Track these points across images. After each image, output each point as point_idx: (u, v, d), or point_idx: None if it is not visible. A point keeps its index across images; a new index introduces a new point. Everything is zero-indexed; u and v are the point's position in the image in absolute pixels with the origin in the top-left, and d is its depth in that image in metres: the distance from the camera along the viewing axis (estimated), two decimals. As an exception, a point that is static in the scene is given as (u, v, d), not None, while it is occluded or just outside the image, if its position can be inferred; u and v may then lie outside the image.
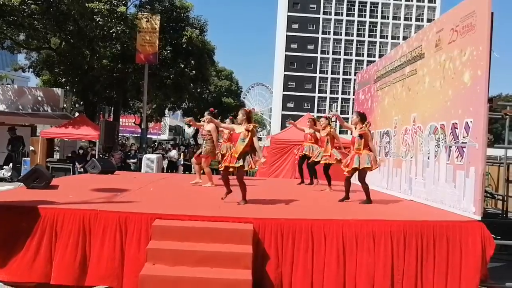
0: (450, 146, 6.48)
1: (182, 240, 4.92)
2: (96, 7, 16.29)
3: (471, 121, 5.94)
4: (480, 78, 5.76)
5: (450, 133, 6.47)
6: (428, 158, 7.16)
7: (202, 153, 8.74)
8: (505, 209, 9.77)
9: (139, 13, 19.83)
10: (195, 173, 9.45)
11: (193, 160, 9.23)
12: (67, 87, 23.03)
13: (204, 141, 8.73)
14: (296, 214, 5.71)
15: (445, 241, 5.22)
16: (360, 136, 6.98)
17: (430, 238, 5.21)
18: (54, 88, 20.91)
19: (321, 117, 9.63)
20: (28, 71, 26.73)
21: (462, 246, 5.23)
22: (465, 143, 6.04)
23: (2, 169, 15.89)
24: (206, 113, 8.90)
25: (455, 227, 5.33)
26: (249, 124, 6.36)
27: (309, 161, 9.28)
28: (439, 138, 6.82)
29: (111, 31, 17.60)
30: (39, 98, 19.25)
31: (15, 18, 17.05)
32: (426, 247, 5.18)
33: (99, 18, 16.91)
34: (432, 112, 7.11)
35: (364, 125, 7.05)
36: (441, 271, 5.15)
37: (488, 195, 10.73)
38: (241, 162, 6.21)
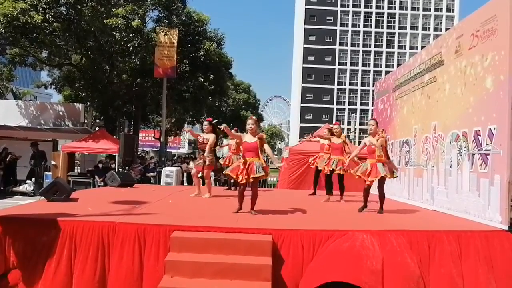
0: (473, 154, 6.31)
1: (200, 252, 4.87)
2: (114, 23, 16.62)
3: (494, 128, 5.79)
4: (503, 83, 5.62)
5: (473, 141, 6.31)
6: (451, 167, 6.99)
7: (198, 164, 8.51)
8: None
9: (157, 27, 20.08)
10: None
11: (193, 172, 8.90)
12: (88, 102, 23.41)
13: (203, 152, 8.33)
14: (316, 224, 5.61)
15: (472, 251, 5.05)
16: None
17: (455, 248, 5.05)
18: (75, 103, 21.26)
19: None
20: (50, 88, 27.36)
21: (491, 256, 5.05)
22: (489, 150, 5.88)
23: (25, 183, 16.15)
24: (205, 123, 8.83)
25: (481, 237, 5.17)
26: (260, 134, 6.38)
27: (326, 172, 8.79)
28: (461, 146, 6.66)
29: (128, 45, 17.88)
30: (61, 113, 19.57)
31: (37, 36, 17.45)
32: (452, 257, 5.01)
33: (117, 33, 17.23)
34: (454, 119, 6.95)
35: (381, 132, 6.96)
36: (471, 281, 4.97)
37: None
38: (262, 172, 6.15)
